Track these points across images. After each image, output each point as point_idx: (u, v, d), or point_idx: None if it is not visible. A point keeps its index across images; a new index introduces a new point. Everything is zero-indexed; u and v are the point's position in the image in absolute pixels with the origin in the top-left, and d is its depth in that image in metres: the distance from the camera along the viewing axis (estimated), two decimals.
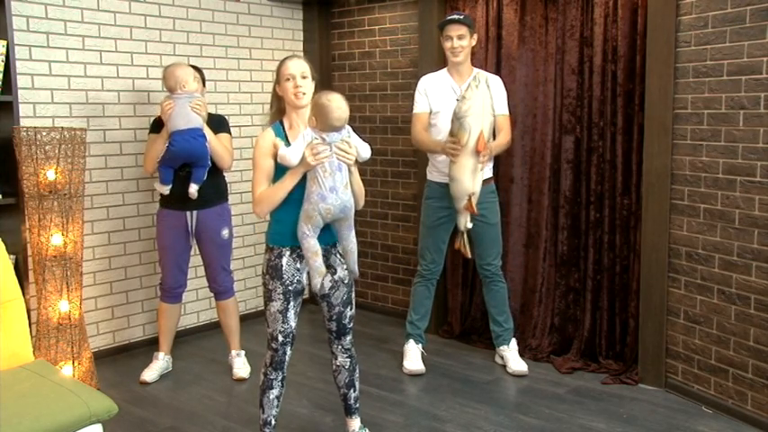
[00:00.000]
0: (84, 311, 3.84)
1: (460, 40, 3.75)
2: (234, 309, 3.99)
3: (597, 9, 3.84)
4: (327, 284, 2.80)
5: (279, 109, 2.83)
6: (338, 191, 2.64)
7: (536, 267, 4.21)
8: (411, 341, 4.04)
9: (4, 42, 3.36)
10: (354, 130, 2.77)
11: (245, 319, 4.52)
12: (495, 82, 3.85)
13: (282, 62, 2.76)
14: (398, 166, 4.84)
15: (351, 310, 2.90)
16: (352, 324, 2.93)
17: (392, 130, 4.84)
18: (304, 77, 2.72)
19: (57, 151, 3.36)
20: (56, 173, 3.37)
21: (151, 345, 4.22)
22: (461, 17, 3.77)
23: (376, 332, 4.63)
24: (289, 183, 2.66)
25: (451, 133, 3.57)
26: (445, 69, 3.92)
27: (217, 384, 3.83)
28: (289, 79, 2.71)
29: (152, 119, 3.92)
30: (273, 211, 2.73)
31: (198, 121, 3.61)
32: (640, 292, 3.68)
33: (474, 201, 3.62)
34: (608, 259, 3.91)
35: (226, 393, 3.72)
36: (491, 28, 4.26)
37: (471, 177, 3.58)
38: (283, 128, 2.76)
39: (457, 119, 3.52)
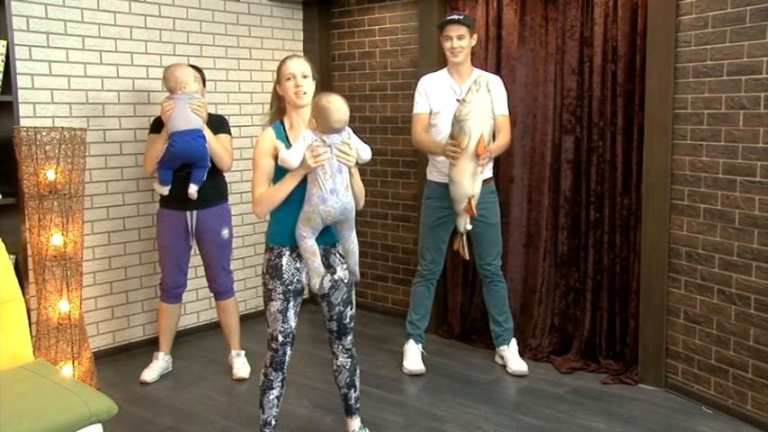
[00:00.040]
0: (84, 311, 3.84)
1: (460, 41, 3.75)
2: (234, 309, 3.99)
3: (597, 9, 3.84)
4: (327, 284, 2.80)
5: (279, 109, 2.83)
6: (339, 193, 2.64)
7: (536, 267, 4.21)
8: (411, 341, 4.04)
9: (4, 42, 3.36)
10: (354, 131, 2.77)
11: (245, 319, 4.52)
12: (496, 82, 3.85)
13: (283, 62, 2.76)
14: (398, 166, 4.84)
15: (351, 309, 2.90)
16: (352, 324, 2.93)
17: (392, 130, 4.84)
18: (305, 77, 2.72)
19: (57, 151, 3.36)
20: (56, 173, 3.37)
21: (151, 345, 4.22)
22: (461, 17, 3.77)
23: (376, 332, 4.63)
24: (289, 184, 2.66)
25: (452, 136, 3.58)
26: (445, 69, 3.92)
27: (217, 384, 3.83)
28: (289, 78, 2.71)
29: (152, 119, 3.92)
30: (273, 211, 2.73)
31: (198, 122, 3.61)
32: (640, 292, 3.68)
33: (474, 203, 3.62)
34: (608, 259, 3.91)
35: (226, 393, 3.72)
36: (491, 28, 4.26)
37: (471, 180, 3.58)
38: (284, 127, 2.76)
39: (457, 122, 3.52)
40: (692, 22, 3.36)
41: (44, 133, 3.34)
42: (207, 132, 3.65)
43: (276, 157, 2.66)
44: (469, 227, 3.74)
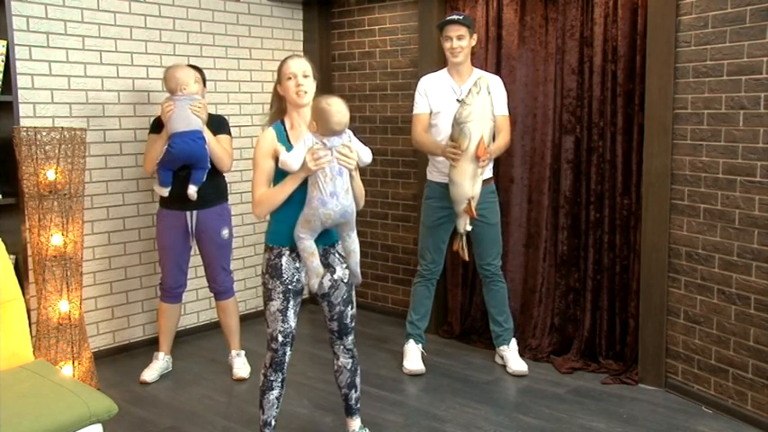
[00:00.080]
0: (84, 311, 3.84)
1: (460, 41, 3.75)
2: (234, 309, 3.99)
3: (597, 9, 3.84)
4: (327, 284, 2.80)
5: (279, 109, 2.83)
6: (339, 196, 2.64)
7: (536, 267, 4.21)
8: (411, 341, 4.04)
9: (4, 42, 3.36)
10: (354, 131, 2.77)
11: (245, 319, 4.52)
12: (496, 82, 3.85)
13: (284, 61, 2.76)
14: (398, 166, 4.84)
15: (352, 309, 2.90)
16: (353, 324, 2.93)
17: (392, 130, 4.84)
18: (306, 76, 2.72)
19: (57, 151, 3.36)
20: (56, 173, 3.37)
21: (151, 345, 4.22)
22: (461, 17, 3.77)
23: (376, 332, 4.63)
24: (289, 187, 2.65)
25: (452, 138, 3.58)
26: (445, 69, 3.92)
27: (217, 384, 3.83)
28: (290, 78, 2.71)
29: (152, 119, 3.92)
30: (274, 211, 2.73)
31: (198, 124, 3.61)
32: (640, 292, 3.68)
33: (474, 204, 3.62)
34: (608, 259, 3.91)
35: (226, 393, 3.72)
36: (491, 28, 4.26)
37: (471, 182, 3.58)
38: (284, 127, 2.76)
39: (457, 124, 3.52)
40: (692, 22, 3.36)
41: (44, 133, 3.34)
42: (207, 133, 3.65)
43: (276, 158, 2.66)
44: (469, 228, 3.74)
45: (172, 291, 3.89)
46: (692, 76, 3.37)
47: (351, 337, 2.94)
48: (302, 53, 5.08)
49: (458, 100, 3.74)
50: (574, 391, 3.65)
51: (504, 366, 3.96)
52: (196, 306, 4.64)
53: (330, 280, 2.81)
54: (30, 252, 3.50)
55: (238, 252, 4.78)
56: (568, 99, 4.01)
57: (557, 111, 4.07)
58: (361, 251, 2.87)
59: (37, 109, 3.83)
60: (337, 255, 2.83)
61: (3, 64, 3.37)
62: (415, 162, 4.65)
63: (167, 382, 3.86)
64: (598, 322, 3.97)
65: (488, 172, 3.86)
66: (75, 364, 3.49)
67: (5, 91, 3.40)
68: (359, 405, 3.05)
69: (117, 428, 3.22)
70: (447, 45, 3.79)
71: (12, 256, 3.19)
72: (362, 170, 2.80)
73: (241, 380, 3.87)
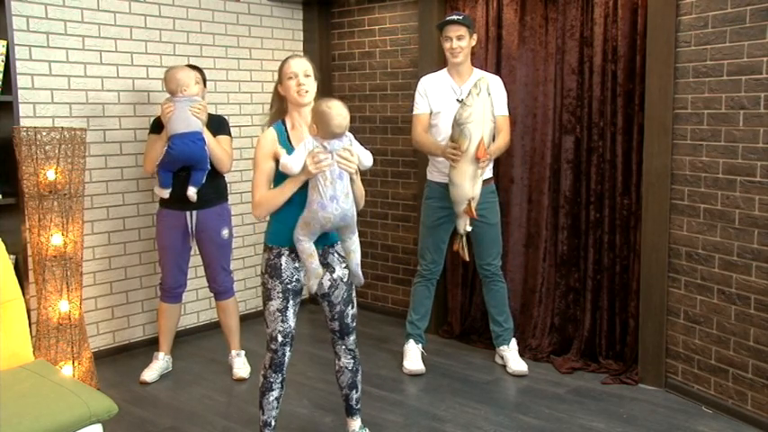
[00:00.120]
0: (84, 311, 3.84)
1: (459, 41, 3.75)
2: (234, 309, 3.99)
3: (597, 9, 3.84)
4: (327, 283, 2.80)
5: (279, 109, 2.82)
6: (338, 199, 2.63)
7: (536, 267, 4.21)
8: (411, 341, 4.04)
9: (4, 42, 3.36)
10: (354, 132, 2.77)
11: (245, 319, 4.52)
12: (496, 82, 3.85)
13: (285, 61, 2.76)
14: (398, 166, 4.84)
15: (352, 308, 2.90)
16: (355, 324, 2.92)
17: (392, 130, 4.84)
18: (307, 76, 2.72)
19: (57, 151, 3.36)
20: (56, 173, 3.37)
21: (151, 345, 4.22)
22: (460, 18, 3.77)
23: (376, 332, 4.63)
24: (289, 189, 2.65)
25: (452, 139, 3.58)
26: (445, 69, 3.92)
27: (217, 384, 3.83)
28: (292, 77, 2.71)
29: (152, 119, 3.92)
30: (274, 212, 2.73)
31: (197, 125, 3.61)
32: (640, 292, 3.68)
33: (474, 205, 3.62)
34: (608, 259, 3.91)
35: (226, 393, 3.72)
36: (491, 28, 4.26)
37: (471, 183, 3.58)
38: (285, 128, 2.76)
39: (457, 125, 3.52)
40: (692, 22, 3.36)
41: (44, 133, 3.34)
42: (206, 135, 3.65)
43: (277, 160, 2.66)
44: (469, 228, 3.74)
45: (172, 291, 3.89)
46: (692, 76, 3.37)
47: (352, 338, 2.93)
48: (302, 53, 5.08)
49: (458, 100, 3.74)
50: (574, 391, 3.65)
51: (504, 366, 3.96)
52: (196, 306, 4.64)
53: (329, 279, 2.81)
54: (30, 252, 3.50)
55: (238, 252, 4.78)
56: (568, 99, 4.01)
57: (557, 111, 4.07)
58: (362, 251, 2.87)
59: (37, 109, 3.83)
60: (336, 254, 2.83)
61: (3, 64, 3.37)
62: (415, 162, 4.65)
63: (167, 382, 3.86)
64: (598, 322, 3.97)
65: (488, 172, 3.86)
66: (76, 364, 3.49)
67: (5, 91, 3.40)
68: (359, 405, 3.05)
69: (117, 428, 3.22)
70: (447, 45, 3.79)
71: (12, 256, 3.19)
72: (363, 170, 2.79)
73: (241, 380, 3.87)
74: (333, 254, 2.82)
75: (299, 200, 2.66)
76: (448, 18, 3.80)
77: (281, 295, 2.73)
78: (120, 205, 4.23)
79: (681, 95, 3.43)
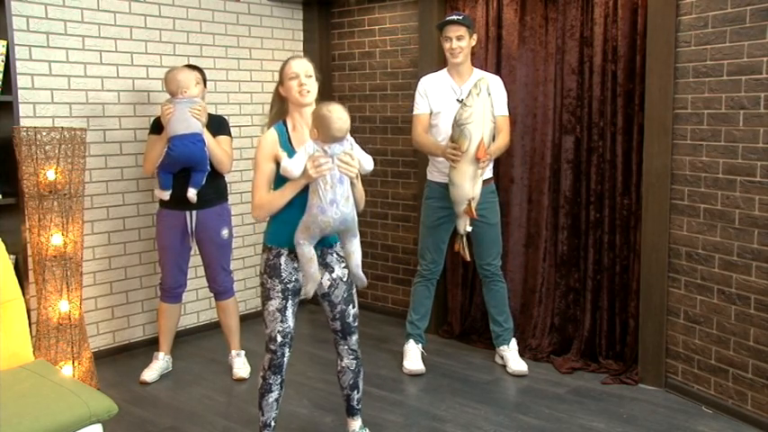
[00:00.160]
0: (84, 311, 3.84)
1: (459, 41, 3.75)
2: (234, 309, 3.99)
3: (597, 9, 3.84)
4: (326, 283, 2.80)
5: (279, 111, 2.82)
6: (338, 203, 2.63)
7: (536, 267, 4.21)
8: (411, 341, 4.04)
9: (4, 42, 3.36)
10: (354, 132, 2.76)
11: (245, 319, 4.52)
12: (496, 82, 3.84)
13: (286, 62, 2.76)
14: (398, 166, 4.84)
15: (353, 308, 2.89)
16: (356, 323, 2.92)
17: (392, 130, 4.84)
18: (308, 76, 2.72)
19: (57, 151, 3.36)
20: (56, 173, 3.37)
21: (151, 345, 4.22)
22: (460, 18, 3.76)
23: (376, 332, 4.63)
24: (289, 192, 2.65)
25: (452, 139, 3.58)
26: (445, 69, 3.92)
27: (217, 384, 3.83)
28: (293, 78, 2.71)
29: (152, 119, 3.92)
30: (273, 213, 2.73)
31: (197, 127, 3.61)
32: (640, 292, 3.68)
33: (474, 205, 3.62)
34: (608, 259, 3.91)
35: (226, 393, 3.72)
36: (491, 28, 4.26)
37: (471, 183, 3.58)
38: (286, 129, 2.76)
39: (458, 126, 3.52)
40: (692, 22, 3.36)
41: (44, 133, 3.34)
42: (207, 136, 3.65)
43: (278, 162, 2.65)
44: (469, 228, 3.74)
45: (172, 291, 3.89)
46: (692, 76, 3.37)
47: (355, 338, 2.93)
48: (302, 53, 5.08)
49: (458, 100, 3.74)
50: (574, 391, 3.65)
51: (504, 366, 3.96)
52: (196, 306, 4.64)
53: (329, 279, 2.81)
54: (30, 252, 3.50)
55: (238, 252, 4.79)
56: (568, 99, 4.01)
57: (557, 111, 4.07)
58: (362, 251, 2.86)
59: (37, 109, 3.83)
60: (335, 255, 2.83)
61: (3, 64, 3.37)
62: (415, 162, 4.65)
63: (167, 382, 3.86)
64: (598, 322, 3.97)
65: (488, 172, 3.86)
66: (76, 364, 3.49)
67: (5, 91, 3.40)
68: (360, 406, 3.05)
69: (117, 428, 3.22)
70: (447, 45, 3.79)
71: (12, 256, 3.19)
72: (363, 174, 2.79)
73: (241, 380, 3.87)
74: (332, 254, 2.82)
75: (299, 201, 2.66)
76: (448, 18, 3.80)
77: (280, 295, 2.73)
78: (120, 205, 4.23)
79: (681, 95, 3.43)
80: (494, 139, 3.70)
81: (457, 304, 4.52)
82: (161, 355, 3.94)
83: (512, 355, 3.95)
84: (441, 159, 3.77)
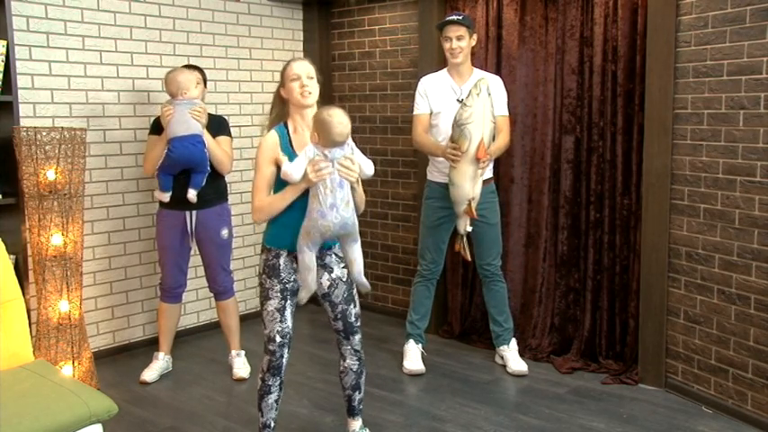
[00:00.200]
0: (84, 311, 3.84)
1: (459, 41, 3.75)
2: (234, 309, 3.99)
3: (597, 9, 3.84)
4: (326, 283, 2.81)
5: (280, 113, 2.82)
6: (339, 208, 2.62)
7: (536, 267, 4.21)
8: (411, 341, 4.04)
9: (4, 42, 3.36)
10: (354, 132, 2.76)
11: (245, 319, 4.52)
12: (496, 82, 3.84)
13: (287, 64, 2.76)
14: (398, 166, 4.84)
15: (355, 307, 2.89)
16: (359, 323, 2.92)
17: (392, 130, 4.84)
18: (310, 78, 2.72)
19: (57, 151, 3.36)
20: (56, 173, 3.37)
21: (151, 345, 4.22)
22: (460, 18, 3.76)
23: (376, 332, 4.63)
24: (290, 196, 2.65)
25: (452, 139, 3.58)
26: (445, 70, 3.92)
27: (217, 384, 3.83)
28: (294, 79, 2.71)
29: (152, 119, 3.92)
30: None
31: (197, 128, 3.61)
32: (640, 292, 3.68)
33: (474, 205, 3.62)
34: (608, 259, 3.91)
35: (226, 393, 3.72)
36: (491, 28, 4.26)
37: (471, 183, 3.58)
38: (287, 131, 2.76)
39: (458, 126, 3.52)
40: (692, 22, 3.36)
41: (44, 133, 3.34)
42: (207, 137, 3.65)
43: (278, 165, 2.65)
44: (469, 229, 3.74)
45: (172, 291, 3.89)
46: (692, 76, 3.37)
47: (358, 337, 2.93)
48: (302, 53, 5.09)
49: (458, 100, 3.74)
50: (574, 391, 3.65)
51: (504, 366, 3.96)
52: (196, 306, 4.64)
53: (329, 279, 2.81)
54: (30, 252, 3.50)
55: (238, 252, 4.79)
56: (568, 99, 4.01)
57: (557, 111, 4.07)
58: (362, 251, 2.86)
59: (37, 109, 3.83)
60: (334, 256, 2.83)
61: (3, 64, 3.37)
62: (415, 162, 4.65)
63: (167, 382, 3.86)
64: (598, 322, 3.97)
65: (488, 172, 3.86)
66: (76, 364, 3.49)
67: (5, 91, 3.40)
68: (361, 406, 3.05)
69: (117, 428, 3.22)
70: (447, 45, 3.79)
71: (12, 256, 3.19)
72: (363, 179, 2.78)
73: (241, 380, 3.87)
74: (330, 255, 2.82)
75: (299, 205, 2.65)
76: (448, 18, 3.80)
77: (278, 295, 2.73)
78: (120, 205, 4.23)
79: (681, 95, 3.43)
80: (494, 140, 3.70)
81: (457, 304, 4.52)
82: (161, 355, 3.94)
83: (512, 355, 3.95)
84: (441, 159, 3.77)
